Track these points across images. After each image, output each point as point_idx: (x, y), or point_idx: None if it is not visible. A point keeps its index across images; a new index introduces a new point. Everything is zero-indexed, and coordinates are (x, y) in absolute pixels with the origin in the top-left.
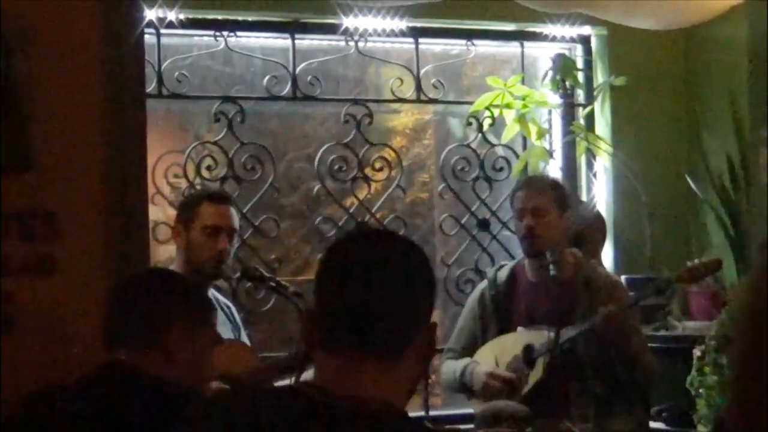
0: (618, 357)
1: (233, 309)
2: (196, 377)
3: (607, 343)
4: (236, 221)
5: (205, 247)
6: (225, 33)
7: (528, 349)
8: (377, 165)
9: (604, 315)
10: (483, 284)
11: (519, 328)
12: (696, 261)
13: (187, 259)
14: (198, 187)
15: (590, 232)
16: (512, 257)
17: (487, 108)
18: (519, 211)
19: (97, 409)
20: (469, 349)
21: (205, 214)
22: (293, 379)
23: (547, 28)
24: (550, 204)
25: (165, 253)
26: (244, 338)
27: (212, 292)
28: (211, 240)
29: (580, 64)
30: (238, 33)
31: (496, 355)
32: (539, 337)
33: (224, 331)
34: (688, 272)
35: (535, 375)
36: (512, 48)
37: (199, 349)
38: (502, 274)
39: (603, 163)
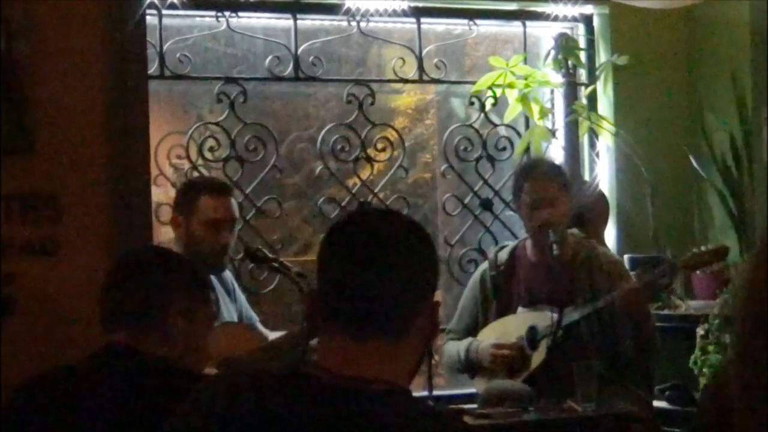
0: (633, 333)
1: (234, 284)
2: (195, 357)
3: (623, 320)
4: (236, 211)
5: (207, 240)
6: (227, 13)
7: (531, 330)
8: (380, 145)
9: (624, 291)
10: (484, 265)
11: (520, 309)
12: (703, 248)
13: (187, 250)
14: (201, 170)
15: (593, 211)
16: (515, 237)
17: (490, 88)
18: (532, 202)
19: (98, 392)
20: (471, 330)
21: (204, 208)
22: (297, 357)
23: (550, 8)
24: (560, 192)
25: (167, 234)
26: (245, 308)
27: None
28: (213, 234)
29: (582, 43)
30: (240, 13)
31: (499, 336)
32: (542, 317)
33: (230, 309)
34: (694, 258)
35: (539, 356)
36: (514, 27)
37: (198, 329)
38: (503, 255)
39: (605, 142)
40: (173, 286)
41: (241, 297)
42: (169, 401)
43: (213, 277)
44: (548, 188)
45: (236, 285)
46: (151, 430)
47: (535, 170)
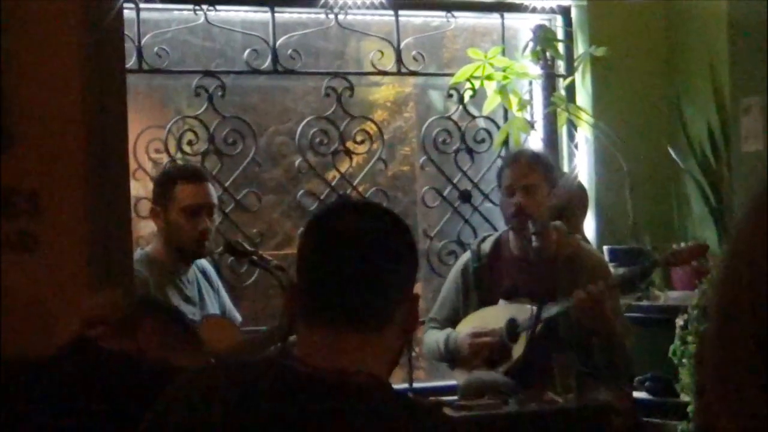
0: (595, 339)
1: (210, 271)
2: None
3: (582, 327)
4: (214, 197)
5: (186, 227)
6: (205, 7)
7: (511, 323)
8: (359, 138)
9: (579, 298)
10: (466, 255)
11: (501, 302)
12: (683, 244)
13: (168, 240)
14: (180, 162)
15: (572, 203)
16: (495, 229)
17: (468, 80)
18: (508, 188)
19: (68, 384)
20: (452, 319)
21: (182, 195)
22: (276, 351)
23: (527, 0)
24: (540, 181)
25: (147, 228)
26: (224, 299)
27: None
28: (192, 221)
29: (560, 35)
30: (218, 6)
31: (477, 327)
32: (522, 311)
33: (209, 298)
34: (674, 255)
35: (519, 348)
36: (492, 19)
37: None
38: (486, 246)
39: (584, 133)
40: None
41: (225, 295)
42: (139, 395)
43: (195, 269)
44: (525, 175)
45: (219, 282)
46: (117, 423)
47: (515, 158)
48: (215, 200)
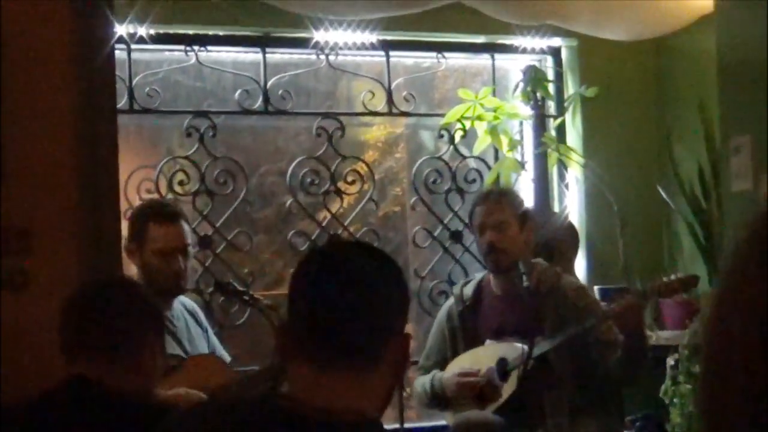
0: (628, 348)
1: (199, 311)
2: (149, 386)
3: (609, 340)
4: (188, 237)
5: (160, 268)
6: (196, 47)
7: (502, 362)
8: (349, 178)
9: (622, 306)
10: (450, 301)
11: (488, 341)
12: (673, 276)
13: (146, 279)
14: (154, 198)
15: (563, 243)
16: (485, 268)
17: (459, 120)
18: (479, 227)
19: (61, 425)
20: (439, 365)
21: (154, 237)
22: (267, 391)
23: (518, 40)
24: (509, 217)
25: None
26: (214, 341)
27: (178, 298)
28: (165, 262)
29: (550, 75)
30: (209, 47)
31: (470, 367)
32: (511, 349)
33: (195, 335)
34: (664, 286)
35: (510, 386)
36: (483, 60)
37: (154, 360)
38: (468, 290)
39: (575, 173)
40: (142, 320)
41: (213, 336)
42: None
43: (181, 308)
44: (494, 212)
45: (208, 323)
46: None
47: (486, 195)
48: (189, 240)
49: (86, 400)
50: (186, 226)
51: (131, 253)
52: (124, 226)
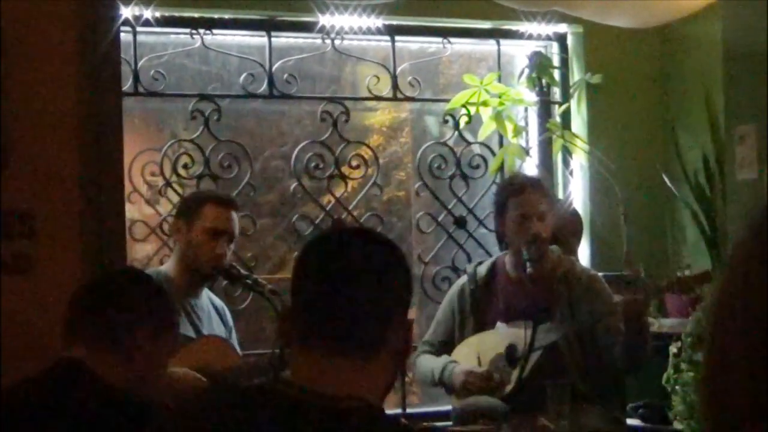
0: (629, 341)
1: (227, 310)
2: (151, 380)
3: (614, 330)
4: (237, 227)
5: (205, 248)
6: (201, 31)
7: (511, 349)
8: (354, 163)
9: (629, 299)
10: (463, 279)
11: (499, 324)
12: (686, 272)
13: (184, 257)
14: (175, 186)
15: (567, 229)
16: (489, 254)
17: (464, 106)
18: (520, 217)
19: (49, 407)
20: (446, 342)
21: (208, 216)
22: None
23: (524, 26)
24: (549, 207)
25: (141, 251)
26: (234, 341)
27: (206, 292)
28: (212, 242)
29: (556, 62)
30: (215, 31)
31: (478, 352)
32: (520, 334)
33: (218, 332)
34: (678, 283)
35: (518, 374)
36: (488, 46)
37: (161, 354)
38: (482, 270)
39: (579, 160)
40: (142, 309)
41: (236, 338)
42: (116, 420)
43: (209, 302)
44: (537, 202)
45: (233, 324)
46: None
47: (521, 185)
48: (237, 231)
49: (70, 382)
50: (237, 219)
51: (178, 230)
52: (128, 209)
